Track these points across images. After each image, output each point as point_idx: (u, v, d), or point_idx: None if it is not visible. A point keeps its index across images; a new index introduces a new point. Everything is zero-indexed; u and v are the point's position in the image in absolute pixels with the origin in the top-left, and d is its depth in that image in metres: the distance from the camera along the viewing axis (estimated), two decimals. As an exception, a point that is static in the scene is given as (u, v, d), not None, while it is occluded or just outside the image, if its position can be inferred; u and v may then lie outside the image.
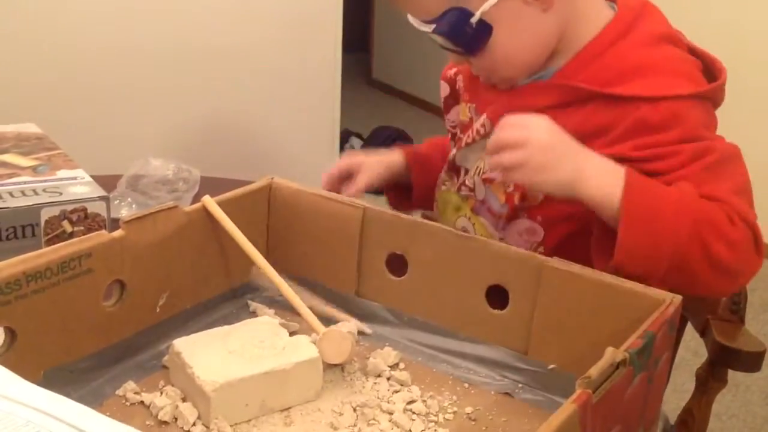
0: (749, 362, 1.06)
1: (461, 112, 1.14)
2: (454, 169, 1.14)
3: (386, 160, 1.21)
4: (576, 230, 0.98)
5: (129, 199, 1.27)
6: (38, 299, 0.77)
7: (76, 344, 0.82)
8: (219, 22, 2.81)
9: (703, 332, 1.13)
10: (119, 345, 0.86)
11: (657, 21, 1.00)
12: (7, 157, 1.09)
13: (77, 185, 1.02)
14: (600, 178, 0.88)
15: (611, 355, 0.67)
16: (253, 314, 0.98)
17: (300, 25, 2.70)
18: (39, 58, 2.57)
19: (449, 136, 1.19)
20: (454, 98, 1.16)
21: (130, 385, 0.82)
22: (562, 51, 1.00)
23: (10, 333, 0.76)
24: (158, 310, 0.90)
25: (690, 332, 1.18)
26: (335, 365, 0.86)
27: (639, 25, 0.98)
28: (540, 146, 0.87)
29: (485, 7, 0.95)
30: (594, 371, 0.64)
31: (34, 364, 0.78)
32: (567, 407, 0.61)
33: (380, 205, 0.98)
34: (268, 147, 2.51)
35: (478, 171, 1.08)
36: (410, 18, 1.01)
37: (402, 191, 1.25)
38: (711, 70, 0.99)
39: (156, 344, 0.90)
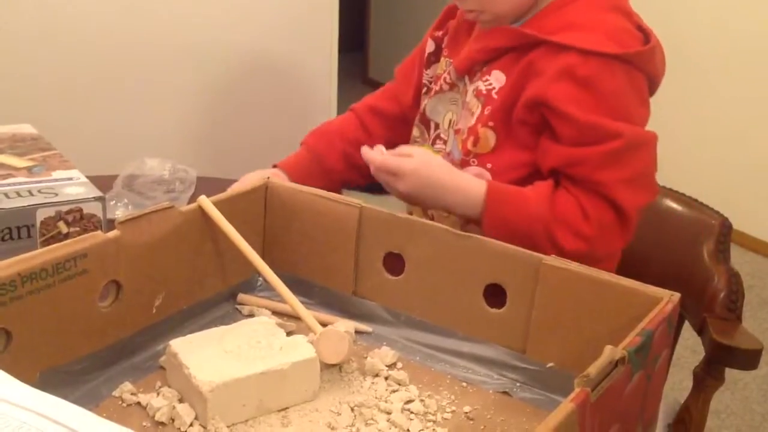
0: (746, 360, 1.06)
1: (440, 66, 1.23)
2: (425, 122, 1.24)
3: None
4: (523, 176, 1.09)
5: (125, 200, 1.27)
6: (33, 300, 0.76)
7: (71, 345, 0.81)
8: (215, 22, 2.80)
9: (701, 330, 1.12)
10: (115, 346, 0.86)
11: None
12: (2, 158, 1.08)
13: (73, 186, 1.01)
14: (461, 205, 1.07)
15: (610, 353, 0.67)
16: (250, 314, 0.97)
17: (296, 24, 2.70)
18: (34, 59, 2.56)
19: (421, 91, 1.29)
20: (436, 56, 1.25)
21: (127, 386, 0.82)
22: (538, 4, 1.10)
23: (6, 334, 0.75)
24: (154, 310, 0.89)
25: (687, 330, 1.18)
26: (333, 365, 0.86)
27: None
28: (399, 193, 1.08)
29: None
30: (592, 369, 0.64)
31: (29, 365, 0.78)
32: (565, 406, 0.60)
33: (376, 204, 0.98)
34: (264, 146, 2.51)
35: (450, 123, 1.19)
36: None
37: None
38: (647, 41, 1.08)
39: (152, 345, 0.89)
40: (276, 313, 0.97)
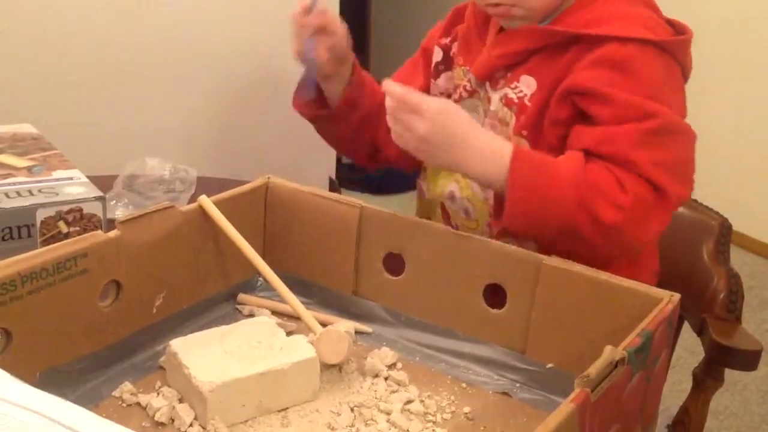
0: (746, 361, 1.06)
1: (456, 76, 1.14)
2: None
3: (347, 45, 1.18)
4: None
5: (125, 200, 1.27)
6: (34, 300, 0.76)
7: (71, 345, 0.81)
8: (215, 22, 2.79)
9: (700, 331, 1.12)
10: (115, 346, 0.86)
11: None
12: (3, 158, 1.08)
13: (73, 185, 1.01)
14: (481, 165, 0.94)
15: (609, 353, 0.67)
16: (250, 314, 0.97)
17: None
18: (34, 58, 2.55)
19: None
20: (446, 64, 1.16)
21: (127, 386, 0.82)
22: (564, 2, 1.04)
23: (6, 334, 0.75)
24: (155, 310, 0.89)
25: (686, 331, 1.18)
26: (333, 365, 0.86)
27: None
28: (416, 136, 0.93)
29: None
30: (592, 370, 0.64)
31: (29, 365, 0.78)
32: (565, 406, 0.61)
33: (377, 204, 0.98)
34: (265, 146, 2.50)
35: None
36: None
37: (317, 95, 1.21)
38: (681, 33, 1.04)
39: (152, 345, 0.89)
40: (276, 313, 0.97)
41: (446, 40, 1.17)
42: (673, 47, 0.99)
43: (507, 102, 1.03)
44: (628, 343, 0.70)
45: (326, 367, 0.85)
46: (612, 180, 0.92)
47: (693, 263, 1.21)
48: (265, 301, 1.00)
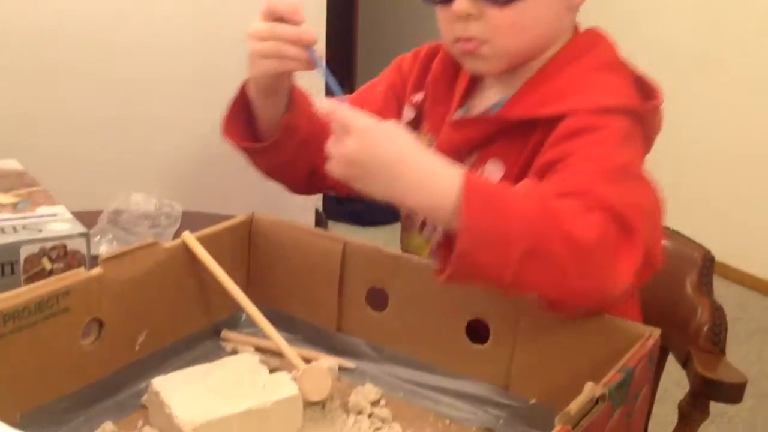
0: (731, 393, 1.07)
1: (423, 142, 1.03)
2: None
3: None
4: None
5: (110, 235, 1.27)
6: (16, 339, 0.76)
7: (53, 384, 0.81)
8: (201, 58, 2.82)
9: (685, 363, 1.13)
10: (97, 384, 0.86)
11: (605, 50, 1.01)
12: None
13: (57, 222, 1.01)
14: (421, 196, 0.81)
15: (590, 390, 0.67)
16: (233, 351, 0.97)
17: None
18: (19, 93, 2.57)
19: None
20: (415, 125, 1.10)
21: (108, 425, 0.81)
22: (523, 71, 1.00)
23: (-13, 374, 0.75)
24: (137, 348, 0.89)
25: (672, 363, 1.19)
26: (316, 402, 0.85)
27: (588, 54, 1.00)
28: (343, 159, 0.82)
29: None
30: (573, 406, 0.65)
31: (11, 405, 0.77)
32: None
33: (364, 236, 0.98)
34: (251, 179, 2.51)
35: None
36: None
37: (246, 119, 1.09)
38: (650, 98, 0.97)
39: (135, 383, 0.89)
40: (260, 349, 0.97)
41: (418, 98, 1.12)
42: (638, 114, 0.94)
43: None
44: (608, 380, 0.71)
45: (309, 404, 0.85)
46: (579, 205, 0.80)
47: (676, 295, 1.22)
48: (248, 337, 1.00)
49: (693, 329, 1.16)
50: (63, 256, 0.97)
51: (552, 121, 0.93)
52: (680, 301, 1.21)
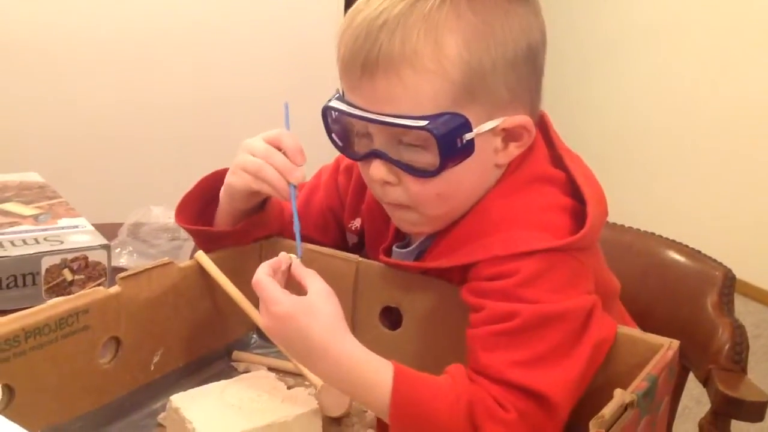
0: (752, 412, 1.12)
1: None
2: None
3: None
4: None
5: (130, 248, 1.33)
6: (36, 356, 0.83)
7: (71, 403, 0.88)
8: (217, 75, 2.98)
9: (706, 382, 1.19)
10: (113, 404, 0.92)
11: (536, 162, 0.97)
12: (9, 206, 1.16)
13: (78, 234, 1.08)
14: (347, 384, 0.86)
15: (620, 396, 0.72)
16: (246, 371, 1.04)
17: (303, 71, 2.85)
18: (42, 108, 2.73)
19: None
20: (358, 249, 1.13)
21: (127, 444, 0.88)
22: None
23: (9, 391, 0.81)
24: (152, 367, 0.96)
25: (692, 381, 1.24)
26: (334, 418, 0.92)
27: (516, 171, 0.97)
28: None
29: (482, 128, 0.90)
30: (606, 411, 0.70)
31: (30, 423, 0.82)
32: None
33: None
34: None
35: None
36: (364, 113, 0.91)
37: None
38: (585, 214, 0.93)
39: (150, 403, 0.96)
40: (272, 369, 1.03)
41: (356, 224, 1.13)
42: (567, 247, 0.90)
43: None
44: (635, 387, 0.76)
45: (327, 420, 0.91)
46: (489, 399, 0.84)
47: (697, 314, 1.28)
48: (260, 357, 1.06)
49: (714, 348, 1.21)
50: (84, 267, 1.04)
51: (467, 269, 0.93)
52: (701, 320, 1.26)
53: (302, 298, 0.86)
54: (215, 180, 1.08)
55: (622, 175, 3.99)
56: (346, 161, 1.13)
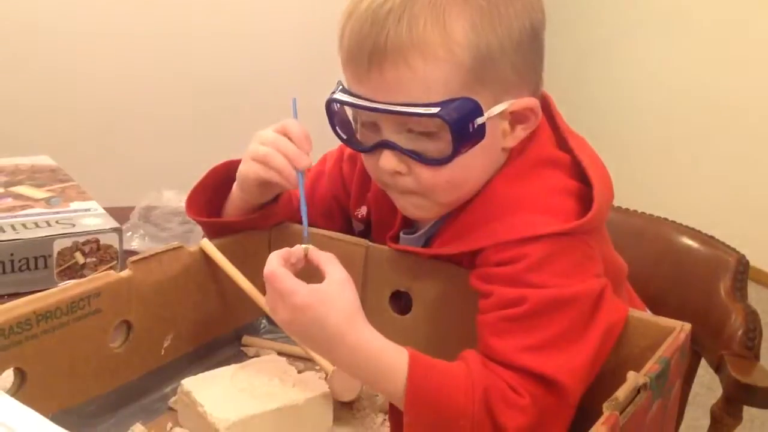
0: (765, 398, 1.14)
1: None
2: None
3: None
4: None
5: (141, 231, 1.36)
6: (48, 339, 0.86)
7: (83, 387, 0.91)
8: (232, 58, 3.03)
9: (718, 368, 1.21)
10: (124, 387, 0.95)
11: (539, 144, 0.99)
12: (21, 189, 1.19)
13: (90, 217, 1.11)
14: (363, 372, 0.87)
15: (633, 378, 0.75)
16: (256, 356, 1.07)
17: (318, 53, 2.89)
18: (54, 92, 2.78)
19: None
20: (364, 235, 1.15)
21: (138, 427, 0.91)
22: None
23: (21, 374, 0.84)
24: (163, 351, 0.99)
25: (703, 367, 1.27)
26: (345, 403, 0.95)
27: (521, 154, 0.98)
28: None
29: (492, 111, 0.91)
30: (620, 393, 0.72)
31: (42, 406, 0.84)
32: (597, 429, 0.67)
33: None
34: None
35: None
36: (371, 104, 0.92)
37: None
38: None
39: (161, 387, 0.99)
40: (281, 353, 1.06)
41: (362, 212, 1.15)
42: (574, 231, 0.92)
43: None
44: (648, 369, 0.77)
45: (338, 405, 0.94)
46: (503, 384, 0.86)
47: (710, 300, 1.30)
48: (270, 342, 1.09)
49: (727, 334, 1.24)
50: (96, 250, 1.06)
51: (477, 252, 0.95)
52: (714, 305, 1.29)
53: (318, 287, 0.87)
54: (225, 170, 1.11)
55: (635, 159, 4.02)
56: (351, 149, 1.14)
